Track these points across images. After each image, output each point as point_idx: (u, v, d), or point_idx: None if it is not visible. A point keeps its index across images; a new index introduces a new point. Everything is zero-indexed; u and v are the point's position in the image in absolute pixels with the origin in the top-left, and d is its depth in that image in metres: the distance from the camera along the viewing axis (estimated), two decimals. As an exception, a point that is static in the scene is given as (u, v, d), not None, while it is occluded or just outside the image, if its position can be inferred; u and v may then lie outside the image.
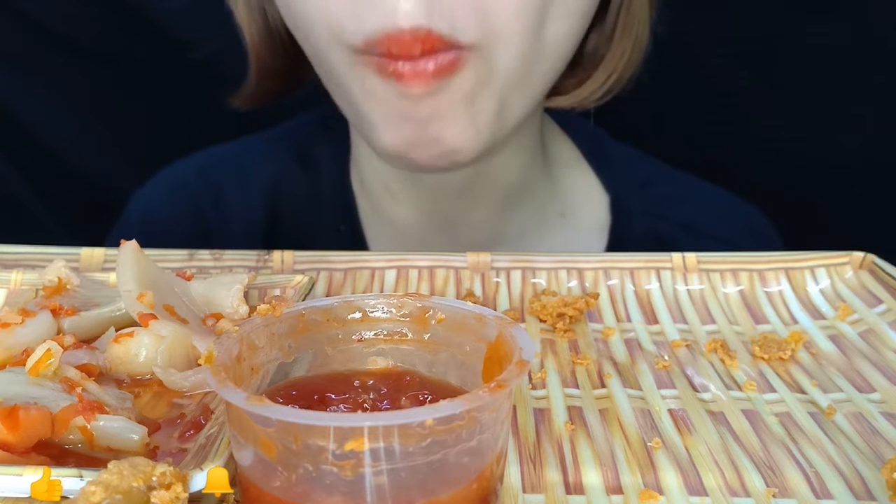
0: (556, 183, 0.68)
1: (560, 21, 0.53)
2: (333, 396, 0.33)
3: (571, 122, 0.71)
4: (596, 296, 0.48)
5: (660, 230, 0.67)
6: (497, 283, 0.51)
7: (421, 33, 0.48)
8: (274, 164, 0.72)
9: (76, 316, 0.41)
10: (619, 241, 0.67)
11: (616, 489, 0.34)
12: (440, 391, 0.33)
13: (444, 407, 0.27)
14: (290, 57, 0.61)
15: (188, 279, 0.44)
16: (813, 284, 0.51)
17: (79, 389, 0.35)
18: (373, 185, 0.67)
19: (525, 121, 0.58)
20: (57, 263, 0.45)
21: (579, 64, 0.60)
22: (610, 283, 0.51)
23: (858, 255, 0.52)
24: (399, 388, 0.34)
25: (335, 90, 0.57)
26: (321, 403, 0.33)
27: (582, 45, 0.58)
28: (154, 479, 0.28)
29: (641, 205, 0.68)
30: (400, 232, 0.67)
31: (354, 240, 0.68)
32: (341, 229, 0.69)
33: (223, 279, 0.44)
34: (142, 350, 0.38)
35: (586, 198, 0.69)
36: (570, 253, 0.53)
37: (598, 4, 0.56)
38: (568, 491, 0.34)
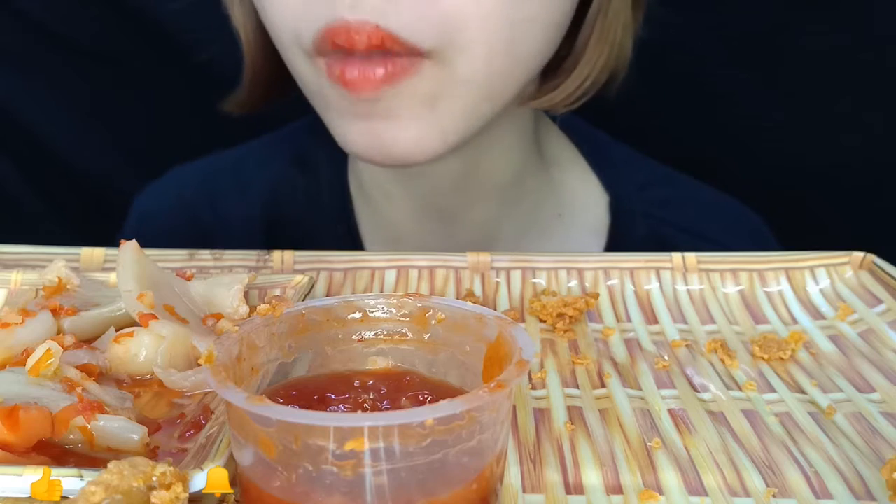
0: (553, 183, 0.68)
1: (533, 37, 0.52)
2: (333, 396, 0.33)
3: (571, 123, 0.70)
4: (596, 296, 0.48)
5: (660, 232, 0.67)
6: (497, 283, 0.51)
7: (367, 26, 0.48)
8: (272, 169, 0.72)
9: (76, 316, 0.41)
10: (619, 242, 0.67)
11: (616, 489, 0.34)
12: (440, 391, 0.33)
13: (444, 407, 0.27)
14: (281, 60, 0.62)
15: (188, 279, 0.44)
16: (813, 284, 0.51)
17: (79, 389, 0.35)
18: (369, 185, 0.67)
19: (496, 119, 0.58)
20: (57, 263, 0.45)
21: (554, 69, 0.59)
22: (610, 283, 0.51)
23: (858, 255, 0.52)
24: (399, 388, 0.34)
25: (306, 95, 0.57)
26: (321, 403, 0.33)
27: (558, 50, 0.57)
28: (154, 479, 0.28)
29: (641, 206, 0.68)
30: (397, 233, 0.67)
31: (352, 242, 0.68)
32: (339, 232, 0.69)
33: (223, 279, 0.44)
34: (142, 350, 0.38)
35: (585, 198, 0.69)
36: (570, 253, 0.53)
37: (576, 11, 0.56)
38: (568, 491, 0.34)
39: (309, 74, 0.54)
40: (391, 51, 0.49)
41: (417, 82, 0.50)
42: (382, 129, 0.52)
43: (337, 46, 0.49)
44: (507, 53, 0.52)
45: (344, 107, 0.52)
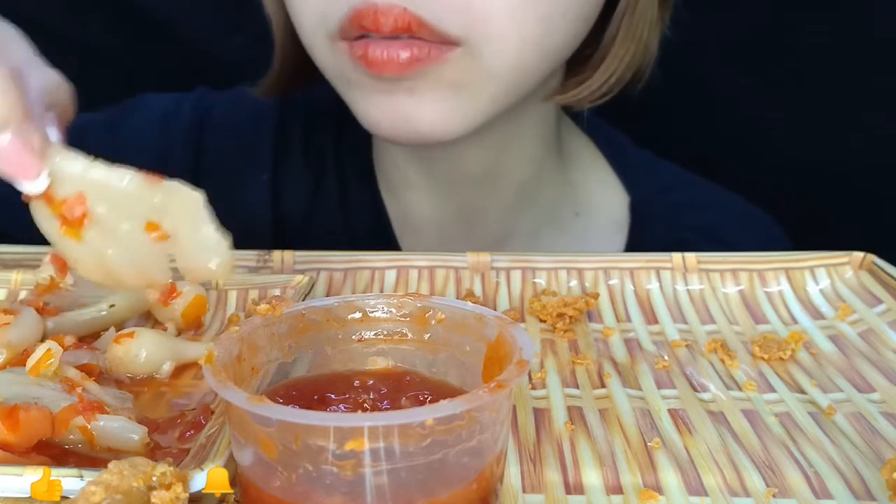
0: (572, 182, 0.68)
1: (563, 31, 0.53)
2: (333, 396, 0.33)
3: (593, 124, 0.70)
4: (596, 296, 0.48)
5: (679, 236, 0.67)
6: (497, 283, 0.51)
7: (395, 9, 0.48)
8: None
9: (59, 315, 0.42)
10: (639, 242, 0.67)
11: (616, 489, 0.34)
12: (440, 391, 0.33)
13: (444, 407, 0.27)
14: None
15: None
16: (813, 284, 0.51)
17: (79, 389, 0.35)
18: (391, 173, 0.67)
19: (520, 116, 0.58)
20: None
21: (579, 64, 0.59)
22: (610, 283, 0.51)
23: (858, 255, 0.52)
24: (399, 388, 0.34)
25: (328, 78, 0.57)
26: (321, 403, 0.33)
27: (584, 46, 0.58)
28: (154, 479, 0.28)
29: (662, 209, 0.68)
30: (418, 225, 0.68)
31: (381, 231, 0.68)
32: (368, 219, 0.68)
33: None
34: (142, 351, 0.39)
35: (604, 197, 0.69)
36: (570, 253, 0.53)
37: (604, 7, 0.56)
38: (568, 491, 0.34)
39: (331, 58, 0.54)
40: (417, 35, 0.49)
41: (443, 69, 0.51)
42: (406, 104, 0.52)
43: (363, 29, 0.49)
44: (538, 47, 0.52)
45: (366, 83, 0.53)
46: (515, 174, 0.65)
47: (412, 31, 0.49)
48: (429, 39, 0.49)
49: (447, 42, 0.50)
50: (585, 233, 0.68)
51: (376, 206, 0.68)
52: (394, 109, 0.52)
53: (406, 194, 0.67)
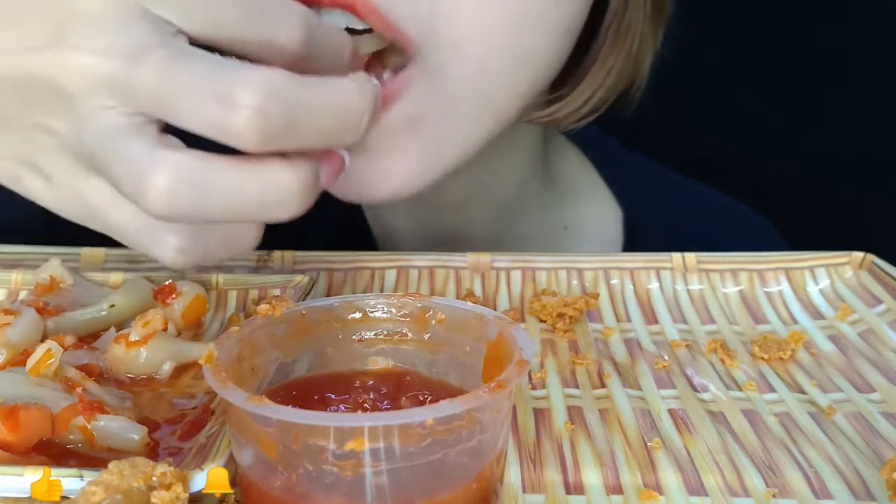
0: (559, 195, 0.67)
1: (539, 37, 0.47)
2: (334, 396, 0.33)
3: (581, 132, 0.69)
4: (596, 296, 0.48)
5: (677, 246, 0.66)
6: (497, 283, 0.51)
7: None
8: None
9: (59, 315, 0.42)
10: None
11: (616, 489, 0.34)
12: (440, 391, 0.33)
13: (444, 407, 0.27)
14: None
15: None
16: (813, 284, 0.51)
17: (79, 389, 0.35)
18: None
19: (506, 137, 0.53)
20: (52, 262, 0.45)
21: (561, 81, 0.54)
22: (610, 283, 0.51)
23: (858, 255, 0.52)
24: (399, 388, 0.34)
25: None
26: (321, 403, 0.33)
27: (569, 64, 0.52)
28: (154, 479, 0.28)
29: (656, 218, 0.67)
30: (401, 245, 0.67)
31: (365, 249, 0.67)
32: (350, 236, 0.67)
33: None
34: (142, 351, 0.39)
35: (594, 211, 0.67)
36: (571, 253, 0.53)
37: (589, 18, 0.51)
38: (568, 491, 0.34)
39: None
40: (363, 19, 0.42)
41: (401, 106, 0.44)
42: (358, 168, 0.46)
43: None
44: (506, 52, 0.46)
45: None
46: (499, 194, 0.62)
47: (356, 10, 0.41)
48: (381, 33, 0.42)
49: (398, 43, 0.43)
50: (575, 247, 0.66)
51: (360, 226, 0.67)
52: (352, 168, 0.45)
53: (387, 216, 0.66)
